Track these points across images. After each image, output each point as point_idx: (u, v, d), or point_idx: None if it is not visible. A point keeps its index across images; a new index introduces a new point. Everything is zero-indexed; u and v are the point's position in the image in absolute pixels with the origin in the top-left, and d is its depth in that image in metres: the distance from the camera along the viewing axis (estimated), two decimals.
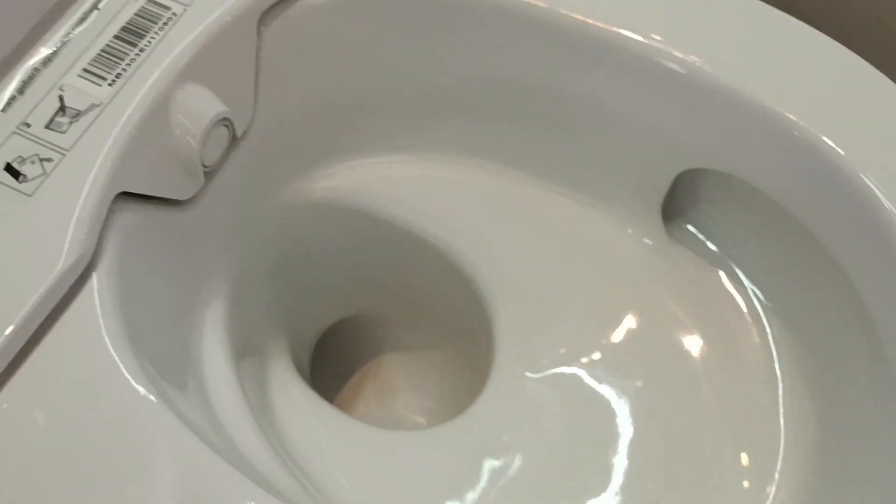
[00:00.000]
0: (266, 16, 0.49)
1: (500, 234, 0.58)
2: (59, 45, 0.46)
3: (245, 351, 0.55)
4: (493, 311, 0.58)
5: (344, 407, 0.72)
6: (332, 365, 0.73)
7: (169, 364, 0.45)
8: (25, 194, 0.42)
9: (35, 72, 0.45)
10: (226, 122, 0.48)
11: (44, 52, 0.45)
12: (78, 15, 0.47)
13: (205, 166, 0.48)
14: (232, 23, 0.47)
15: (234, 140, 0.50)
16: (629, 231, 0.57)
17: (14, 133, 0.43)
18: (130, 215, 0.45)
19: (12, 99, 0.44)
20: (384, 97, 0.57)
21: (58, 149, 0.43)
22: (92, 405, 0.39)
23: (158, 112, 0.45)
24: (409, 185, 0.59)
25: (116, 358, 0.40)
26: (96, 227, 0.42)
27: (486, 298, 0.58)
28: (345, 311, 0.70)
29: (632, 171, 0.56)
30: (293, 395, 0.57)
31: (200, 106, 0.46)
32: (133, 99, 0.44)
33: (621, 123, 0.53)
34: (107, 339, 0.40)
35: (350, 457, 0.54)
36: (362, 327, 0.73)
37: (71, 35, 0.46)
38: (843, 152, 0.44)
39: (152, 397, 0.39)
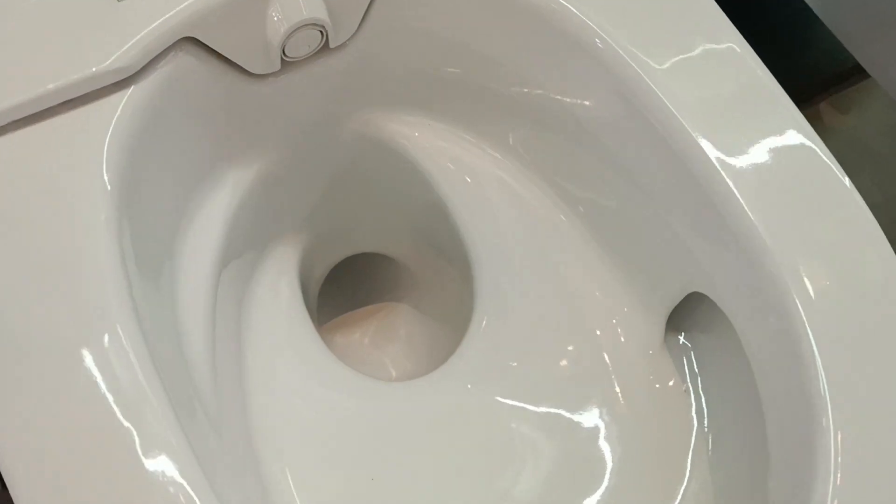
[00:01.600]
0: None
1: (520, 251, 0.60)
2: None
3: (254, 234, 0.59)
4: (477, 314, 0.60)
5: (337, 328, 0.76)
6: (349, 287, 0.77)
7: (158, 204, 0.50)
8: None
9: None
10: (321, 27, 0.52)
11: None
12: None
13: (286, 55, 0.52)
14: None
15: (325, 47, 0.54)
16: (625, 309, 0.57)
17: None
18: (195, 61, 0.50)
19: None
20: (488, 83, 0.58)
21: None
22: (52, 191, 0.44)
23: None
24: (468, 169, 0.61)
25: (104, 160, 0.45)
26: (153, 50, 0.47)
27: (477, 300, 0.60)
28: (379, 247, 0.73)
29: (657, 270, 0.56)
30: (280, 292, 0.61)
31: (302, 3, 0.50)
32: None
33: (663, 225, 0.54)
34: (106, 142, 0.46)
35: (285, 365, 0.58)
36: (394, 271, 0.76)
37: None
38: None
39: (112, 224, 0.44)
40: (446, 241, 0.63)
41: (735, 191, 0.47)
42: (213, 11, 0.48)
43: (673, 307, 0.55)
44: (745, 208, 0.46)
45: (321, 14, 0.51)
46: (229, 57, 0.51)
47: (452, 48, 0.57)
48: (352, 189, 0.65)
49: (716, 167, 0.47)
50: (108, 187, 0.45)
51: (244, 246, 0.58)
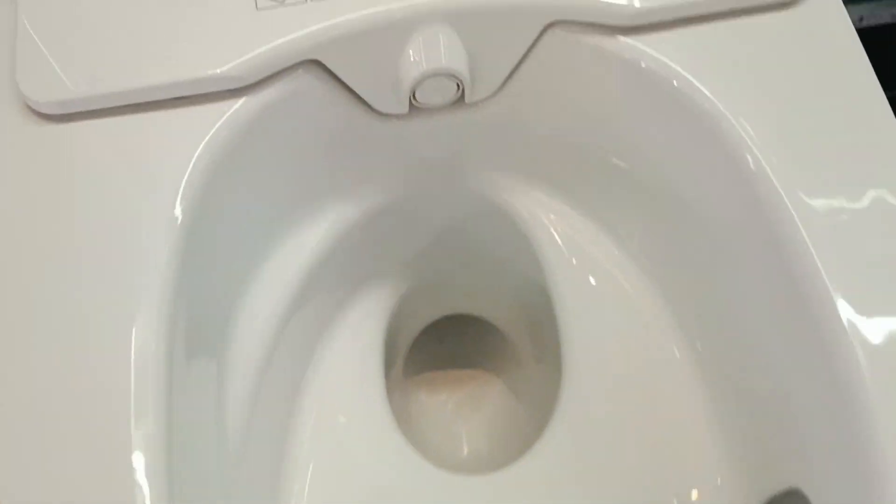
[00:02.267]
0: (557, 25, 0.48)
1: (618, 365, 0.54)
2: None
3: (346, 272, 0.56)
4: (556, 418, 0.54)
5: (426, 383, 0.72)
6: (449, 344, 0.73)
7: (244, 217, 0.48)
8: (259, 8, 0.45)
9: None
10: (457, 80, 0.48)
11: None
12: None
13: (416, 100, 0.49)
14: (520, 5, 0.46)
15: (460, 100, 0.50)
16: (718, 482, 0.50)
17: None
18: (318, 85, 0.47)
19: None
20: (627, 171, 0.53)
21: None
22: (128, 192, 0.42)
23: (401, 27, 0.46)
24: (583, 257, 0.56)
25: (187, 173, 0.43)
26: (273, 66, 0.45)
27: (561, 402, 0.54)
28: (482, 312, 0.69)
29: (761, 448, 0.49)
30: (360, 338, 0.57)
31: (444, 51, 0.46)
32: (389, 3, 0.46)
33: (782, 400, 0.46)
34: (197, 151, 0.43)
35: (340, 423, 0.54)
36: (498, 340, 0.72)
37: None
38: None
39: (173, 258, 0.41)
40: (548, 325, 0.58)
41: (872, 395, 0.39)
42: (346, 38, 0.45)
43: (770, 498, 0.47)
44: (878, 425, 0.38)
45: (461, 67, 0.47)
46: (354, 89, 0.48)
47: (597, 127, 0.51)
48: (459, 245, 0.60)
49: (857, 354, 0.40)
50: (179, 216, 0.42)
51: (333, 283, 0.55)
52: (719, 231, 0.48)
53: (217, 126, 0.44)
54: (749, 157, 0.44)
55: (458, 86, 0.49)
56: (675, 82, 0.46)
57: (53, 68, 0.44)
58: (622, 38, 0.47)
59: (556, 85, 0.50)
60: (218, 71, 0.44)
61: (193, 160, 0.43)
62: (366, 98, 0.49)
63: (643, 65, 0.47)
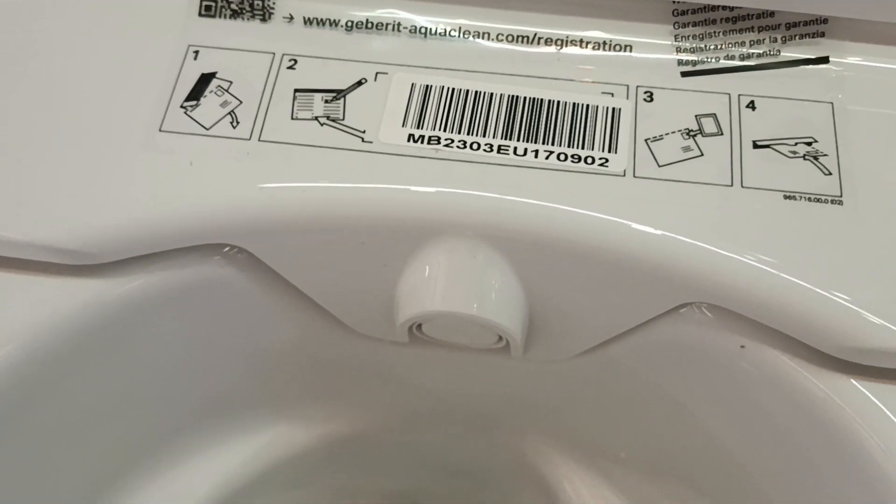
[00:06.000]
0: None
1: None
2: None
3: None
4: None
5: None
6: None
7: None
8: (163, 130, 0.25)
9: None
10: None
11: None
12: None
13: (421, 332, 0.28)
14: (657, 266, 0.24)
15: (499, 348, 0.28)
16: None
17: None
18: (240, 276, 0.26)
19: None
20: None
21: None
22: None
23: (413, 232, 0.25)
24: None
25: None
26: (155, 245, 0.25)
27: None
28: None
29: None
30: None
31: (477, 292, 0.25)
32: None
33: None
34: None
35: None
36: None
37: None
38: None
39: None
40: None
41: None
42: (305, 227, 0.25)
43: None
44: None
45: (509, 324, 0.25)
46: (314, 299, 0.27)
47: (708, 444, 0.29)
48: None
49: None
50: None
51: None
52: None
53: (51, 310, 0.25)
54: None
55: (500, 337, 0.27)
56: None
57: None
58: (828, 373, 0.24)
59: (670, 382, 0.28)
60: (53, 240, 0.24)
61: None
62: (334, 313, 0.28)
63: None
